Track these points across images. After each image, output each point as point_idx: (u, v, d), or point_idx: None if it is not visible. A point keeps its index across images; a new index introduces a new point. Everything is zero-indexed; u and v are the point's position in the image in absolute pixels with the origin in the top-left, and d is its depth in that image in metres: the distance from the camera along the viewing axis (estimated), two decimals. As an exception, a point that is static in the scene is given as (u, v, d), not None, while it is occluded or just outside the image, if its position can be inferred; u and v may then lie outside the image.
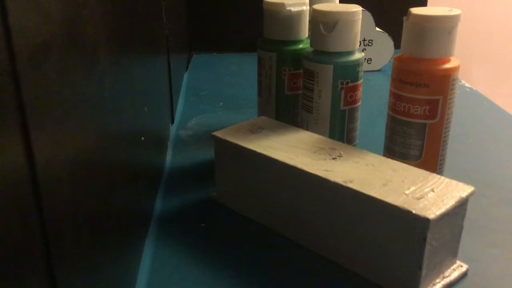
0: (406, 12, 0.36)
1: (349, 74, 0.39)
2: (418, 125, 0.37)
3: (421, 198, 0.28)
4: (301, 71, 0.42)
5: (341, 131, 0.40)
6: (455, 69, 0.36)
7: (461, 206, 0.30)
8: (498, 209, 0.38)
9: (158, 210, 0.38)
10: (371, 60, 0.71)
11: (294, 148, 0.35)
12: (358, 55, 0.39)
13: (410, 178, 0.31)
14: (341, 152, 0.34)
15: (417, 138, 0.37)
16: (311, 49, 0.41)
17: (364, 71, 0.42)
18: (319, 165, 0.32)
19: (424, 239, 0.27)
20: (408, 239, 0.28)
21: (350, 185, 0.30)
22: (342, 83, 0.39)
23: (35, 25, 0.16)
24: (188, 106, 0.60)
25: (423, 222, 0.27)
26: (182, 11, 0.75)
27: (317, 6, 0.39)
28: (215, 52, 0.84)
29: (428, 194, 0.29)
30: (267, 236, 0.35)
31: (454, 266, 0.31)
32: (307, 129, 0.41)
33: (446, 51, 0.35)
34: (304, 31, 0.44)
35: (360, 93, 0.40)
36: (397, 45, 0.59)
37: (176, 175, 0.44)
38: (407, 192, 0.29)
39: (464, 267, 0.32)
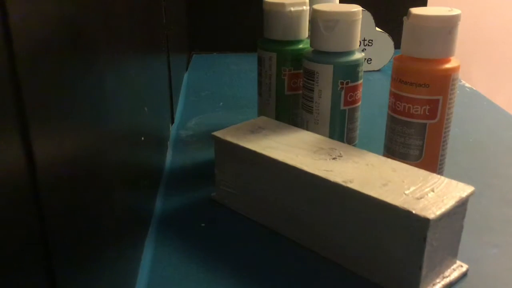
0: (406, 12, 0.36)
1: (349, 74, 0.39)
2: (418, 125, 0.37)
3: (421, 198, 0.28)
4: (301, 71, 0.42)
5: (341, 131, 0.40)
6: (455, 69, 0.36)
7: (461, 206, 0.30)
8: (498, 209, 0.38)
9: (158, 210, 0.38)
10: (371, 60, 0.71)
11: (294, 148, 0.35)
12: (358, 55, 0.39)
13: (410, 178, 0.31)
14: (341, 152, 0.34)
15: (417, 138, 0.37)
16: (311, 49, 0.41)
17: (364, 71, 0.42)
18: (319, 165, 0.32)
19: (424, 239, 0.27)
20: (408, 239, 0.28)
21: (350, 185, 0.30)
22: (342, 83, 0.39)
23: (35, 25, 0.16)
24: (188, 106, 0.60)
25: (423, 222, 0.27)
26: (182, 11, 0.75)
27: (317, 6, 0.39)
28: (215, 52, 0.84)
29: (428, 194, 0.29)
30: (267, 236, 0.35)
31: (454, 266, 0.31)
32: (307, 129, 0.41)
33: (446, 51, 0.35)
34: (304, 31, 0.44)
35: (360, 93, 0.40)
36: (397, 45, 0.59)
37: (176, 175, 0.44)
38: (407, 192, 0.29)
39: (464, 267, 0.32)
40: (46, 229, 0.17)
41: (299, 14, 0.43)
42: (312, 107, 0.40)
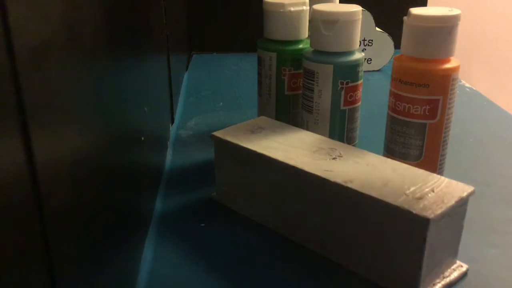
0: (406, 12, 0.36)
1: (349, 74, 0.39)
2: (418, 125, 0.37)
3: (421, 198, 0.28)
4: (301, 71, 0.42)
5: (341, 131, 0.40)
6: (455, 69, 0.36)
7: (461, 206, 0.30)
8: (498, 209, 0.38)
9: (158, 210, 0.38)
10: (371, 60, 0.71)
11: (294, 148, 0.35)
12: (358, 55, 0.39)
13: (410, 178, 0.31)
14: (341, 152, 0.34)
15: (417, 138, 0.37)
16: (311, 49, 0.41)
17: (364, 71, 0.42)
18: (319, 165, 0.32)
19: (424, 239, 0.27)
20: (408, 239, 0.28)
21: (350, 185, 0.30)
22: (342, 83, 0.39)
23: (35, 25, 0.16)
24: (188, 106, 0.60)
25: (423, 222, 0.27)
26: (182, 11, 0.75)
27: (317, 6, 0.39)
28: (215, 52, 0.84)
29: (428, 194, 0.29)
30: (267, 236, 0.35)
31: (454, 266, 0.31)
32: (307, 129, 0.41)
33: (446, 51, 0.35)
34: (304, 31, 0.44)
35: (360, 93, 0.40)
36: (397, 45, 0.59)
37: (176, 175, 0.44)
38: (407, 192, 0.29)
39: (464, 267, 0.32)
40: (46, 229, 0.17)
41: (299, 14, 0.43)
42: (312, 107, 0.40)
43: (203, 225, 0.37)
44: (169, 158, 0.47)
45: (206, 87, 0.67)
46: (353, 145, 0.41)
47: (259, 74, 0.45)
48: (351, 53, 0.39)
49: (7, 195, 0.14)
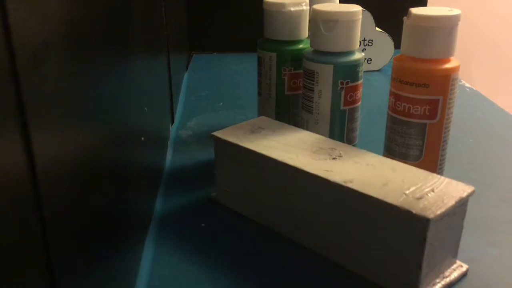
0: (406, 12, 0.36)
1: (349, 74, 0.39)
2: (418, 125, 0.37)
3: (421, 198, 0.28)
4: (301, 71, 0.42)
5: (341, 131, 0.40)
6: (455, 69, 0.36)
7: (461, 206, 0.30)
8: (498, 209, 0.38)
9: (158, 210, 0.38)
10: (371, 60, 0.71)
11: (294, 148, 0.35)
12: (358, 55, 0.39)
13: (410, 178, 0.31)
14: (341, 152, 0.34)
15: (417, 138, 0.37)
16: (311, 49, 0.41)
17: (364, 71, 0.42)
18: (319, 165, 0.32)
19: (424, 239, 0.27)
20: (408, 239, 0.28)
21: (350, 185, 0.30)
22: (342, 83, 0.39)
23: (35, 25, 0.16)
24: (188, 106, 0.60)
25: (423, 222, 0.27)
26: (182, 11, 0.75)
27: (317, 6, 0.39)
28: (215, 52, 0.84)
29: (428, 194, 0.29)
30: (267, 236, 0.35)
31: (454, 266, 0.31)
32: (307, 129, 0.41)
33: (446, 51, 0.35)
34: (304, 31, 0.44)
35: (360, 93, 0.40)
36: (397, 45, 0.59)
37: (176, 175, 0.44)
38: (407, 192, 0.29)
39: (464, 267, 0.32)
40: (46, 229, 0.17)
41: (299, 14, 0.43)
42: (312, 107, 0.40)
43: (203, 225, 0.37)
44: (169, 158, 0.47)
45: (206, 87, 0.67)
46: (353, 145, 0.41)
47: (259, 74, 0.45)
48: (351, 53, 0.39)
49: (7, 195, 0.14)
